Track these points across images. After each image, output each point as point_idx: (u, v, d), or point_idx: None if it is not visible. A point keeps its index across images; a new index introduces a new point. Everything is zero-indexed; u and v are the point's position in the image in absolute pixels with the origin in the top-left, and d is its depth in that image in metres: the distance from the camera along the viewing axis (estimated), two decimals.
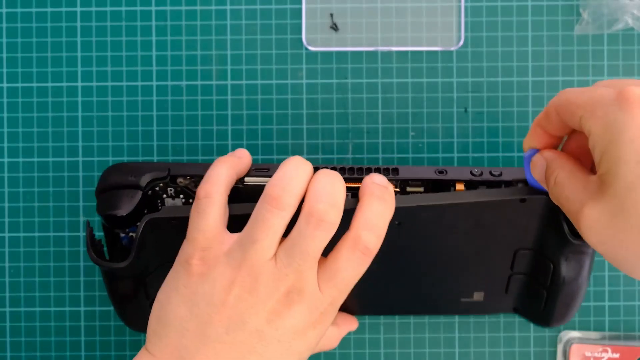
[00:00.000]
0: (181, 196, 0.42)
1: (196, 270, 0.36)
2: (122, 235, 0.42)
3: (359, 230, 0.36)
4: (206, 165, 0.39)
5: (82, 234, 0.48)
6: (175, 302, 0.37)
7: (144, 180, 0.41)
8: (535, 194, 0.39)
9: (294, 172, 0.37)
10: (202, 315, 0.36)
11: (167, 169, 0.41)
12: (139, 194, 0.41)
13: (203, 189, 0.37)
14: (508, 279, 0.44)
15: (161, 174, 0.41)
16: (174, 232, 0.39)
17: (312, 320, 0.37)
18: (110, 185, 0.41)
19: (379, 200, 0.37)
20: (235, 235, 0.37)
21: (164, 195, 0.42)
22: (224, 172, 0.38)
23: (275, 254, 0.36)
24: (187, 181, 0.42)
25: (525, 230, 0.41)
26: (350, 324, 0.46)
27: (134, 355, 0.48)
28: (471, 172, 0.41)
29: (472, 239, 0.41)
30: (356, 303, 0.45)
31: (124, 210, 0.40)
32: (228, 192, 0.38)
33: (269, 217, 0.36)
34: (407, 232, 0.40)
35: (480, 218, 0.40)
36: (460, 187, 0.41)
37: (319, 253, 0.36)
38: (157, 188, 0.42)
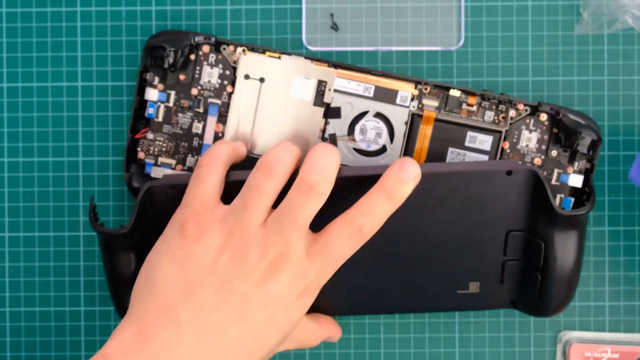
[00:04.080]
0: (220, 65, 0.45)
1: (190, 234, 0.38)
2: (151, 102, 0.45)
3: (357, 213, 0.38)
4: (254, 45, 0.45)
5: (82, 233, 0.48)
6: (166, 263, 0.38)
7: (192, 37, 0.45)
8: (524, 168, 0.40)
9: (289, 146, 0.39)
10: (193, 276, 0.37)
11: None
12: (188, 42, 0.44)
13: (205, 159, 0.39)
14: (502, 266, 0.44)
15: (209, 37, 0.45)
16: (173, 200, 0.41)
17: (297, 292, 0.38)
18: (161, 41, 0.44)
19: (387, 197, 0.38)
20: (228, 206, 0.39)
21: (205, 63, 0.45)
22: (225, 150, 0.40)
23: (266, 221, 0.38)
24: (231, 51, 0.45)
25: (515, 209, 0.42)
26: (333, 328, 0.45)
27: None
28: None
29: (463, 217, 0.42)
30: (352, 301, 0.45)
31: (174, 47, 0.44)
32: (227, 167, 0.40)
33: (261, 183, 0.38)
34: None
35: (468, 192, 0.41)
36: (472, 100, 0.44)
37: (307, 221, 0.38)
38: (201, 53, 0.45)
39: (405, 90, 0.44)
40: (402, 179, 0.38)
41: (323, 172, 0.38)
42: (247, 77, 0.45)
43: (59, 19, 0.48)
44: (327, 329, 0.45)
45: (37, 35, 0.48)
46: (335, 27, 0.48)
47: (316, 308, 0.44)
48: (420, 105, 0.45)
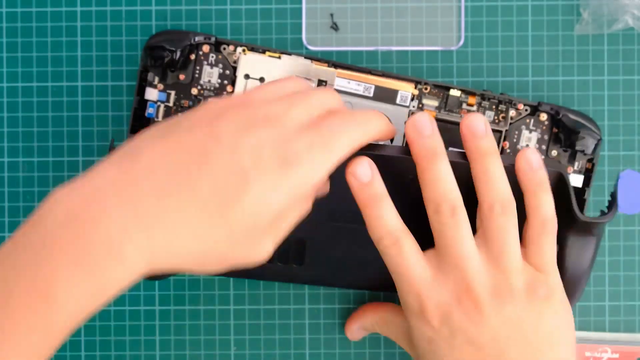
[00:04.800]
0: (220, 65, 0.45)
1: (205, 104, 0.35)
2: (151, 102, 0.45)
3: (356, 112, 0.37)
4: (254, 45, 0.45)
5: None
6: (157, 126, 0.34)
7: (192, 37, 0.45)
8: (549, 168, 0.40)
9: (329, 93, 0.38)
10: (184, 117, 0.34)
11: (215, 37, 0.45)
12: (188, 42, 0.44)
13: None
14: None
15: (209, 37, 0.45)
16: None
17: (279, 152, 0.33)
18: (161, 41, 0.44)
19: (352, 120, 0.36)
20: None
21: (205, 62, 0.45)
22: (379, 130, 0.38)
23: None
24: (231, 51, 0.45)
25: None
26: None
27: (133, 356, 0.48)
28: None
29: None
30: (334, 273, 0.45)
31: (174, 47, 0.44)
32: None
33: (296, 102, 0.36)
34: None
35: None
36: (472, 100, 0.44)
37: (341, 146, 0.35)
38: (201, 53, 0.45)
39: (406, 90, 0.44)
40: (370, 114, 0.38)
41: (367, 117, 0.37)
42: (247, 76, 0.45)
43: (59, 19, 0.48)
44: None
45: (37, 35, 0.48)
46: (335, 27, 0.48)
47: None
48: (421, 105, 0.45)
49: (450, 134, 0.44)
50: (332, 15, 0.48)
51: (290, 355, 0.48)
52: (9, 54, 0.48)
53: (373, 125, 0.37)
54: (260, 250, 0.34)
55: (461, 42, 0.47)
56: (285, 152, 0.33)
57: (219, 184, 0.32)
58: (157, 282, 0.48)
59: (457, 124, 0.44)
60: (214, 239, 0.32)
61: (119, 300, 0.48)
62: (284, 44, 0.48)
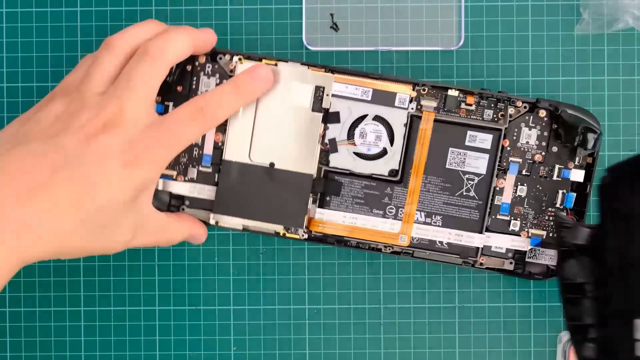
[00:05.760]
0: (217, 75, 0.45)
1: (42, 103, 0.40)
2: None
3: (205, 96, 0.41)
4: (250, 53, 0.45)
5: None
6: (14, 123, 0.40)
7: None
8: None
9: (138, 26, 0.41)
10: (28, 129, 0.39)
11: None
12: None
13: (115, 40, 0.41)
14: None
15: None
16: None
17: (124, 158, 0.38)
18: None
19: (236, 90, 0.42)
20: None
21: (202, 73, 0.45)
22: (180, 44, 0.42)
23: (106, 92, 0.39)
24: (227, 60, 0.45)
25: None
26: (196, 225, 0.44)
27: (133, 356, 0.48)
28: None
29: None
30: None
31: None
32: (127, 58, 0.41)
33: (100, 56, 0.40)
34: None
35: None
36: (470, 99, 0.44)
37: (145, 89, 0.39)
38: (197, 63, 0.45)
39: (404, 92, 0.44)
40: (252, 77, 0.42)
41: (162, 42, 0.40)
42: None
43: (59, 19, 0.48)
44: (188, 226, 0.44)
45: (37, 36, 0.48)
46: (335, 27, 0.48)
47: None
48: (419, 107, 0.45)
49: (450, 133, 0.44)
50: (332, 15, 0.47)
51: (290, 356, 0.48)
52: (9, 54, 0.48)
53: (179, 49, 0.41)
54: (114, 242, 0.39)
55: (461, 42, 0.47)
56: (128, 156, 0.38)
57: (70, 191, 0.37)
58: (157, 282, 0.48)
59: (457, 124, 0.44)
60: (70, 237, 0.37)
61: (119, 300, 0.48)
62: (284, 44, 0.48)
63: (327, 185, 0.45)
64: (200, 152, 0.45)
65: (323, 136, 0.45)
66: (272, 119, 0.44)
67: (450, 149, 0.44)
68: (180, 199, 0.45)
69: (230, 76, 0.45)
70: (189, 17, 0.48)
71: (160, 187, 0.45)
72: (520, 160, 0.45)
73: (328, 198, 0.45)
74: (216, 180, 0.45)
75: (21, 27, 0.48)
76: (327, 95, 0.44)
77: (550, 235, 0.45)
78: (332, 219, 0.45)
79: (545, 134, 0.45)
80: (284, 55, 0.47)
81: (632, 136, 0.47)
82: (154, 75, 0.40)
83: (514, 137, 0.45)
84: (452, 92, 0.44)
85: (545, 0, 0.47)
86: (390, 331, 0.48)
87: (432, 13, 0.47)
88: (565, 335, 0.47)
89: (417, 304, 0.48)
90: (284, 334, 0.48)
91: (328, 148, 0.45)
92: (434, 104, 0.45)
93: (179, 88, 0.45)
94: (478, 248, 0.45)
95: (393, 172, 0.45)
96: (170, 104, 0.45)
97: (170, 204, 0.45)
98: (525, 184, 0.45)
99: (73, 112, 0.39)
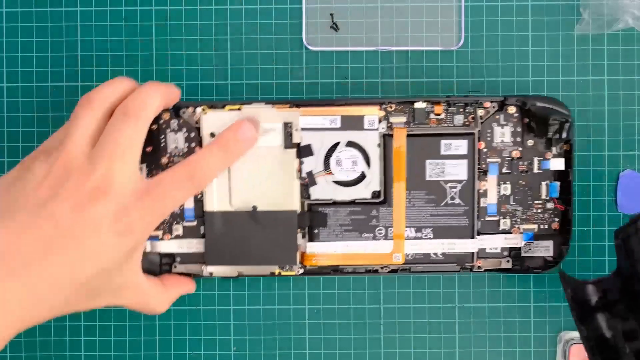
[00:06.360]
0: (184, 129, 0.44)
1: (25, 164, 0.39)
2: None
3: (192, 160, 0.40)
4: (213, 102, 0.44)
5: None
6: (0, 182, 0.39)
7: None
8: None
9: (111, 84, 0.40)
10: (17, 194, 0.38)
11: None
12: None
13: (87, 98, 0.40)
14: None
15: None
16: None
17: (117, 227, 0.38)
18: None
19: (223, 152, 0.42)
20: None
21: (168, 130, 0.44)
22: (113, 93, 0.41)
23: (90, 153, 0.39)
24: (190, 112, 0.44)
25: None
26: (184, 285, 0.45)
27: (133, 356, 0.48)
28: None
29: None
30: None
31: None
32: (108, 112, 0.40)
33: (81, 115, 0.39)
34: None
35: None
36: (438, 109, 0.44)
37: (130, 151, 0.39)
38: (162, 121, 0.44)
39: (371, 114, 0.44)
40: (237, 138, 0.42)
41: (137, 101, 0.39)
42: (212, 135, 0.44)
43: (59, 19, 0.48)
44: (176, 290, 0.44)
45: (37, 35, 0.48)
46: (335, 27, 0.48)
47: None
48: (389, 125, 0.44)
49: (425, 146, 0.44)
50: (332, 15, 0.47)
51: (290, 356, 0.48)
52: (9, 54, 0.48)
53: (151, 110, 0.40)
54: (100, 303, 0.40)
55: (461, 42, 0.47)
56: (121, 226, 0.38)
57: (64, 262, 0.37)
58: None
59: (430, 135, 0.44)
60: (64, 305, 0.38)
61: None
62: (284, 44, 0.48)
63: (312, 218, 0.44)
64: (181, 207, 0.45)
65: (300, 171, 0.44)
66: (246, 163, 0.44)
67: (427, 160, 0.44)
68: (171, 256, 0.45)
69: (197, 128, 0.44)
70: (189, 17, 0.48)
71: (148, 249, 0.45)
72: (499, 159, 0.45)
73: (316, 231, 0.45)
74: (202, 232, 0.45)
75: (21, 27, 0.48)
76: (297, 130, 0.44)
77: (541, 227, 0.45)
78: (324, 250, 0.45)
79: (519, 129, 0.45)
80: (284, 55, 0.47)
81: (632, 136, 0.47)
82: (137, 136, 0.39)
83: (488, 138, 0.45)
84: (419, 105, 0.44)
85: (545, 0, 0.47)
86: (390, 331, 0.48)
87: (432, 13, 0.47)
88: (565, 335, 0.47)
89: (417, 304, 0.48)
90: (284, 334, 0.48)
91: (307, 182, 0.44)
92: (403, 119, 0.44)
93: (148, 149, 0.44)
94: (473, 253, 0.45)
95: (375, 194, 0.45)
96: (143, 165, 0.44)
97: (161, 263, 0.45)
98: (508, 182, 0.45)
99: (60, 175, 0.38)
